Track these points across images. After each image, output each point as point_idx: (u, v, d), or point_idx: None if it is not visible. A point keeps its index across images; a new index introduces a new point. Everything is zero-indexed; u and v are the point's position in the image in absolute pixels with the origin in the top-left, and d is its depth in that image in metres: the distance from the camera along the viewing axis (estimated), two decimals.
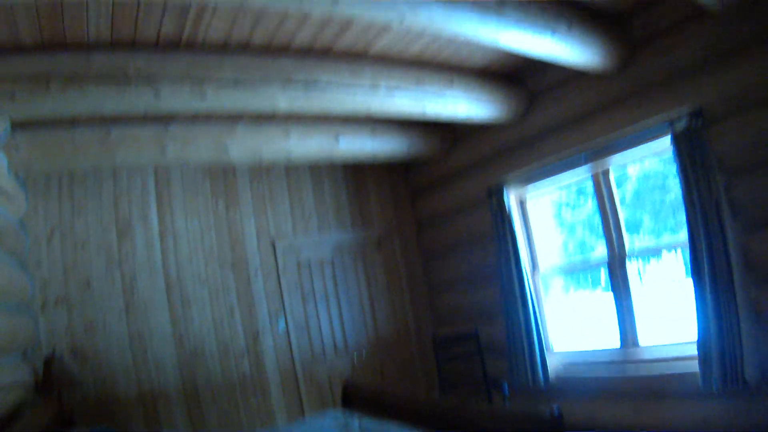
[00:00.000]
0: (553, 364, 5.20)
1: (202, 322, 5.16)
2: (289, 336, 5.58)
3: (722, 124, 3.80)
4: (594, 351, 5.03)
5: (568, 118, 4.89)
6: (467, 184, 5.97)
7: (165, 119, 4.49)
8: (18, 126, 3.88)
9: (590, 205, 5.16)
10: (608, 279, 4.73)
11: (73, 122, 4.19)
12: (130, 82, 3.58)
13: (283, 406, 5.42)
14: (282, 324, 5.55)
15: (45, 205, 4.67)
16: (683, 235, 4.08)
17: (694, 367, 3.98)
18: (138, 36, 3.46)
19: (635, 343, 4.65)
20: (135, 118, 4.33)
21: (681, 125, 3.92)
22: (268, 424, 5.21)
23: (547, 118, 5.07)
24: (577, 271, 5.46)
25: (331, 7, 3.02)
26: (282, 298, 5.61)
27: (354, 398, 4.27)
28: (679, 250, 4.69)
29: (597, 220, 4.91)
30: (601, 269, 5.00)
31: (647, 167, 5.09)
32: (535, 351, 5.11)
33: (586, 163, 4.83)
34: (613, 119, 4.49)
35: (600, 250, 4.98)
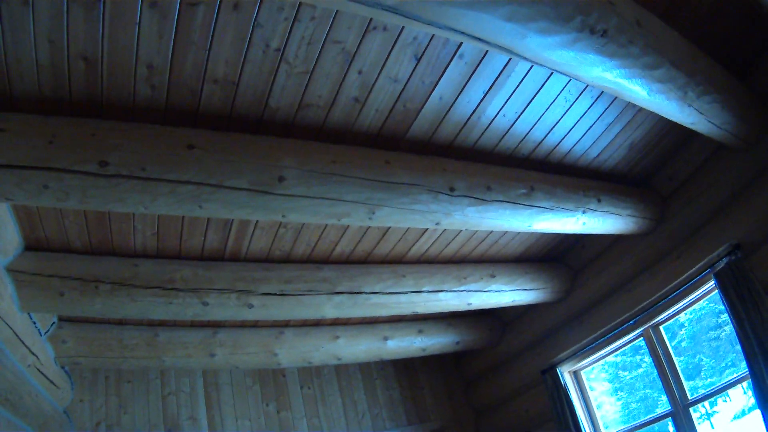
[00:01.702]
0: None
1: None
2: None
3: (762, 250, 3.86)
4: None
5: (611, 287, 4.97)
6: (520, 367, 5.93)
7: (213, 325, 4.63)
8: (66, 319, 4.05)
9: (647, 360, 4.99)
10: (675, 430, 4.62)
11: (121, 322, 4.34)
12: (178, 290, 3.70)
13: None
14: None
15: (91, 398, 4.69)
16: (744, 368, 4.03)
17: None
18: (183, 248, 3.67)
19: None
20: (183, 323, 4.46)
21: (722, 264, 4.00)
22: None
23: (592, 291, 5.15)
24: (643, 429, 5.17)
25: (368, 220, 3.15)
26: None
27: None
28: (745, 384, 4.53)
29: (655, 374, 4.96)
30: (668, 423, 4.86)
31: (698, 310, 4.97)
32: None
33: (635, 324, 4.84)
34: (656, 277, 4.56)
35: (664, 404, 4.90)
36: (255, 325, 4.78)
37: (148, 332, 4.41)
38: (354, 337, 5.18)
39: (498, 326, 6.12)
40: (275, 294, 3.96)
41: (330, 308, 4.17)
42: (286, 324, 4.90)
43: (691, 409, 4.62)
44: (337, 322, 5.14)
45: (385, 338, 5.33)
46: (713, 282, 4.12)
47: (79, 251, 3.57)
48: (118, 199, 2.62)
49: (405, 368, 6.37)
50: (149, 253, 3.70)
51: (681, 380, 4.69)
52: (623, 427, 5.40)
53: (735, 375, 4.45)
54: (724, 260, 3.99)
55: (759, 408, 3.85)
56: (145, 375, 5.00)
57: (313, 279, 4.07)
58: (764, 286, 3.82)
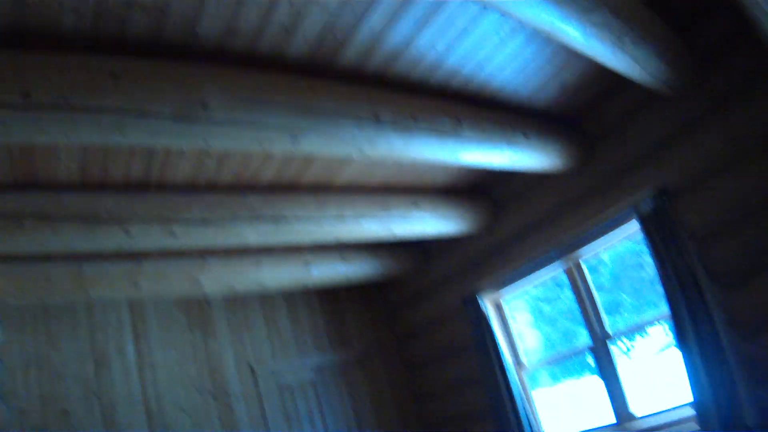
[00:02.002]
0: None
1: None
2: None
3: (686, 197, 4.03)
4: (591, 430, 5.09)
5: (535, 221, 5.13)
6: (443, 296, 6.14)
7: (137, 256, 4.58)
8: None
9: (568, 295, 5.29)
10: (594, 362, 4.85)
11: (46, 258, 4.24)
12: (101, 221, 3.66)
13: None
14: None
15: (20, 337, 4.64)
16: (664, 307, 4.23)
17: (692, 428, 4.09)
18: (107, 178, 3.64)
19: (631, 417, 4.74)
20: (107, 255, 4.41)
21: (646, 207, 4.17)
22: None
23: (515, 224, 5.32)
24: (563, 360, 5.52)
25: (291, 146, 3.20)
26: (266, 421, 5.57)
27: None
28: (662, 323, 4.79)
29: (576, 308, 5.08)
30: (587, 354, 5.10)
31: (620, 250, 5.27)
32: None
33: (557, 259, 5.05)
34: (579, 214, 4.73)
35: (583, 337, 5.13)
36: (179, 254, 4.75)
37: (73, 266, 4.32)
38: (278, 265, 5.23)
39: (421, 256, 6.30)
40: (198, 221, 3.97)
41: (253, 235, 4.18)
42: (210, 252, 4.89)
43: (610, 344, 4.86)
44: (260, 250, 5.16)
45: (309, 266, 5.40)
46: (637, 224, 4.28)
47: (3, 187, 3.49)
48: (40, 131, 2.55)
49: (329, 296, 6.50)
50: (73, 185, 3.61)
51: (601, 315, 4.90)
52: (544, 357, 5.72)
53: (654, 314, 4.64)
54: (649, 203, 4.14)
55: (678, 347, 4.07)
56: (72, 311, 4.95)
57: (236, 206, 4.09)
58: (687, 232, 4.01)
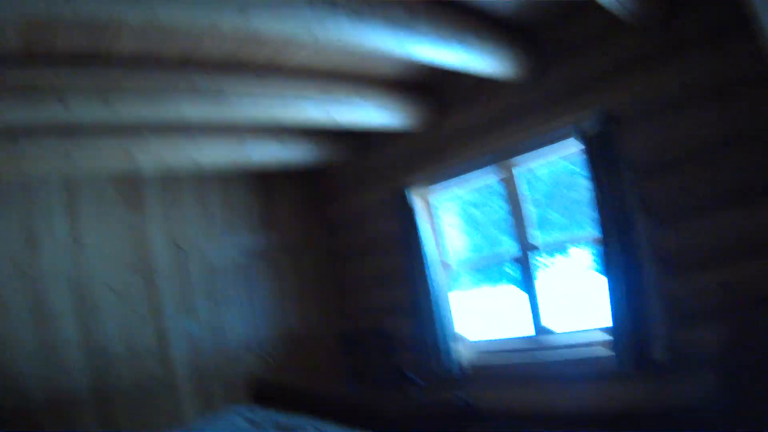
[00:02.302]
0: (464, 354, 5.40)
1: (113, 328, 5.15)
2: (197, 337, 5.65)
3: (634, 127, 4.05)
4: (507, 339, 5.28)
5: (478, 125, 5.10)
6: (377, 187, 6.17)
7: (74, 130, 4.45)
8: None
9: (500, 204, 5.44)
10: (519, 273, 4.98)
11: None
12: (40, 93, 3.59)
13: (193, 406, 5.48)
14: (191, 326, 5.61)
15: None
16: (593, 231, 4.32)
17: (606, 351, 4.27)
18: (49, 50, 3.47)
19: (547, 331, 4.90)
20: (44, 129, 4.28)
21: (591, 128, 4.15)
22: (179, 425, 5.20)
23: (458, 125, 5.28)
24: (488, 267, 5.71)
25: (240, 21, 3.10)
26: (191, 300, 5.68)
27: (265, 395, 4.40)
28: (588, 246, 4.94)
29: (506, 218, 5.15)
30: (511, 264, 5.21)
31: (558, 168, 5.41)
32: (445, 343, 5.32)
33: (494, 165, 5.06)
34: (523, 125, 4.73)
35: (510, 246, 5.23)
36: (116, 129, 4.62)
37: (8, 141, 4.19)
38: (215, 144, 5.16)
39: (359, 147, 6.25)
40: (137, 94, 3.89)
41: (192, 110, 4.10)
42: (147, 128, 4.77)
43: (534, 256, 4.99)
44: (198, 128, 5.06)
45: (246, 147, 5.35)
46: (578, 144, 4.26)
47: None
48: None
49: (263, 180, 6.47)
50: (17, 57, 3.43)
51: (529, 228, 5.00)
52: (467, 261, 5.89)
53: (581, 235, 4.73)
54: (594, 125, 4.13)
55: (603, 273, 4.17)
56: (4, 187, 4.86)
57: (178, 81, 3.99)
58: (629, 161, 4.05)
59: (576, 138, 4.30)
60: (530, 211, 5.09)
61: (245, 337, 6.05)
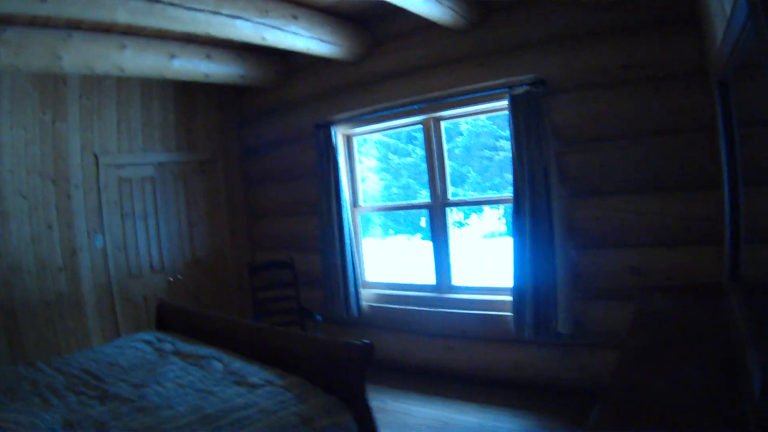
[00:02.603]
0: (367, 296, 5.42)
1: (20, 237, 4.88)
2: (106, 253, 5.42)
3: (565, 97, 4.03)
4: (410, 285, 5.29)
5: (409, 67, 4.96)
6: (298, 116, 5.97)
7: (1, 21, 4.12)
8: None
9: (418, 153, 5.38)
10: (429, 224, 4.95)
11: None
12: None
13: (99, 326, 5.30)
14: (99, 241, 5.38)
15: None
16: (506, 193, 4.29)
17: (503, 310, 4.36)
18: None
19: (450, 284, 4.91)
20: None
21: (521, 90, 4.10)
22: (84, 345, 5.06)
23: (388, 64, 5.13)
24: (400, 216, 5.74)
25: None
26: (101, 214, 5.42)
27: (169, 319, 4.31)
28: (501, 208, 4.98)
29: (423, 168, 5.05)
30: (422, 215, 5.26)
31: (480, 126, 5.38)
32: (349, 283, 5.30)
33: (419, 112, 4.95)
34: (456, 74, 4.62)
35: (425, 198, 5.19)
36: (45, 24, 4.29)
37: None
38: (141, 50, 4.85)
39: (286, 70, 6.02)
40: None
41: (123, 13, 3.78)
42: (76, 26, 4.45)
43: (446, 210, 4.93)
44: (128, 31, 4.76)
45: (173, 56, 5.05)
46: (507, 103, 4.17)
47: None
48: None
49: (185, 94, 6.20)
50: None
51: (446, 179, 4.93)
52: (382, 204, 5.82)
53: (496, 196, 4.76)
54: (524, 87, 4.07)
55: (512, 231, 4.14)
56: None
57: None
58: (553, 129, 4.04)
59: (505, 95, 4.24)
60: (449, 165, 5.03)
61: (153, 256, 5.85)
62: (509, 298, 4.31)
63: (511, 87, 4.20)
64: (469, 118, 4.82)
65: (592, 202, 3.99)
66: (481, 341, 4.59)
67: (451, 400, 4.33)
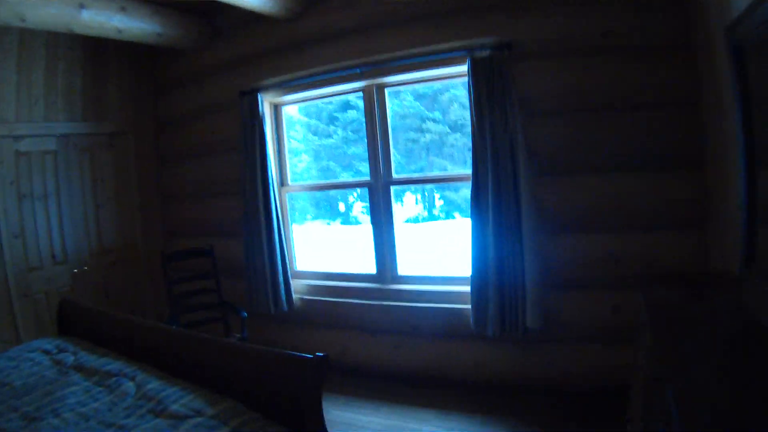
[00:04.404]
0: (298, 288, 4.87)
1: None
2: (0, 241, 4.63)
3: (533, 62, 3.64)
4: (347, 274, 4.76)
5: (349, 27, 4.36)
6: (222, 83, 5.23)
7: None
8: None
9: (360, 127, 4.83)
10: (368, 204, 4.42)
11: None
12: None
13: None
14: None
15: None
16: (463, 171, 3.84)
17: (466, 305, 3.91)
18: None
19: (396, 274, 4.42)
20: None
21: (483, 53, 3.64)
22: None
23: (325, 23, 4.49)
24: (335, 197, 5.19)
25: None
26: None
27: (73, 320, 3.62)
28: (456, 187, 4.56)
29: (365, 144, 4.52)
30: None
31: (406, 107, 4.89)
32: (277, 273, 4.71)
33: (360, 77, 4.39)
34: (405, 37, 4.08)
35: (364, 177, 4.66)
36: None
37: None
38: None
39: (210, 30, 5.29)
40: None
41: None
42: None
43: (391, 188, 4.46)
44: None
45: (81, 6, 4.27)
46: (467, 68, 3.70)
47: None
48: None
49: (95, 56, 5.41)
50: None
51: (390, 155, 4.47)
52: (314, 183, 5.22)
53: (449, 174, 4.28)
54: (487, 50, 3.62)
55: (471, 213, 3.65)
56: None
57: None
58: (520, 98, 3.61)
59: (465, 59, 3.76)
60: (393, 140, 4.49)
61: (54, 245, 5.08)
62: (467, 288, 3.84)
63: (471, 50, 3.70)
64: (422, 86, 4.20)
65: (564, 181, 3.60)
66: (435, 338, 4.11)
67: (404, 405, 3.80)
